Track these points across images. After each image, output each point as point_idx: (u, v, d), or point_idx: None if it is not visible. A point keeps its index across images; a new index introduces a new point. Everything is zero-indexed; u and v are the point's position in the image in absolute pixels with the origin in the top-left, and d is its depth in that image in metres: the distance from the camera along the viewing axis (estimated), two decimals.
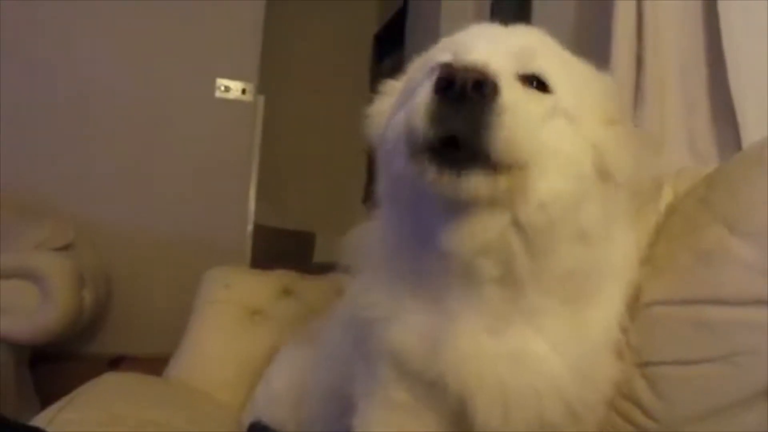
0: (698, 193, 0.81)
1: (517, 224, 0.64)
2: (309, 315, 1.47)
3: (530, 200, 0.63)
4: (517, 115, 0.60)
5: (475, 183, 0.59)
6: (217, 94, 2.75)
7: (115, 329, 2.53)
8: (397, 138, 0.66)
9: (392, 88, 0.79)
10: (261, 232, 2.88)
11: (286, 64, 3.65)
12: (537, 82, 0.66)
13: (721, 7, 1.30)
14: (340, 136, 3.97)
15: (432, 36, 0.86)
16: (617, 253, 0.74)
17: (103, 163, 2.62)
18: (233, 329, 1.47)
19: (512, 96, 0.60)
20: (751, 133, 1.24)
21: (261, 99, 2.86)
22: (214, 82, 2.74)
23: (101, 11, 2.63)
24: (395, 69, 0.84)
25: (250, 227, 2.81)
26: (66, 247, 2.12)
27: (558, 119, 0.66)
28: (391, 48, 3.62)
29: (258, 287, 1.56)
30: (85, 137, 2.61)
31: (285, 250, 3.05)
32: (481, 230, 0.64)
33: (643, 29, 1.48)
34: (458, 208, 0.63)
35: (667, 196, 0.91)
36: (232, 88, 2.76)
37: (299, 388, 1.11)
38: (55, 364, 2.15)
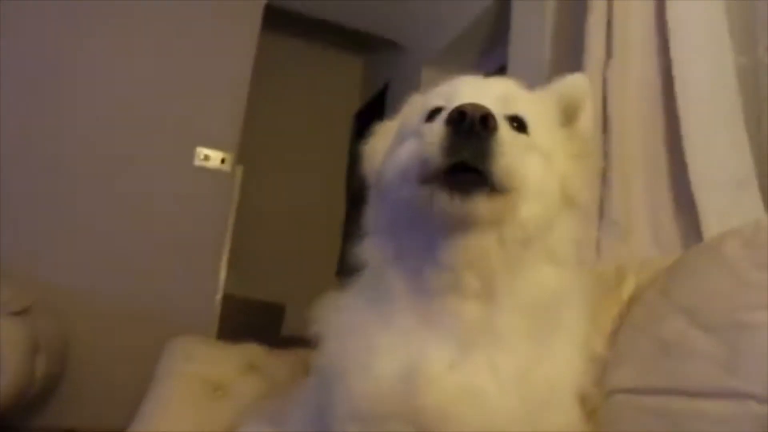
0: (660, 283, 0.83)
1: (500, 240, 0.73)
2: (274, 393, 1.42)
3: (515, 220, 0.73)
4: (511, 147, 0.71)
5: (478, 204, 0.70)
6: (196, 162, 2.76)
7: (68, 400, 2.39)
8: (402, 170, 0.77)
9: (385, 128, 0.89)
10: (230, 302, 2.82)
11: (266, 136, 3.71)
12: (517, 123, 0.78)
13: (680, 99, 1.38)
14: (315, 209, 4.01)
15: None
16: (574, 318, 0.80)
17: (68, 226, 2.56)
18: (193, 404, 1.41)
19: (506, 131, 0.72)
20: (711, 224, 1.28)
21: (239, 169, 2.88)
22: (193, 150, 2.76)
23: (81, 77, 2.66)
24: None
25: (219, 296, 2.76)
26: (22, 312, 2.03)
27: (534, 155, 0.77)
28: (371, 126, 3.72)
29: (222, 361, 1.51)
30: (50, 199, 2.56)
31: (253, 321, 2.98)
32: (474, 246, 0.73)
33: (607, 122, 1.56)
34: (458, 226, 0.72)
35: (629, 286, 0.93)
36: (211, 157, 2.79)
37: None
38: None
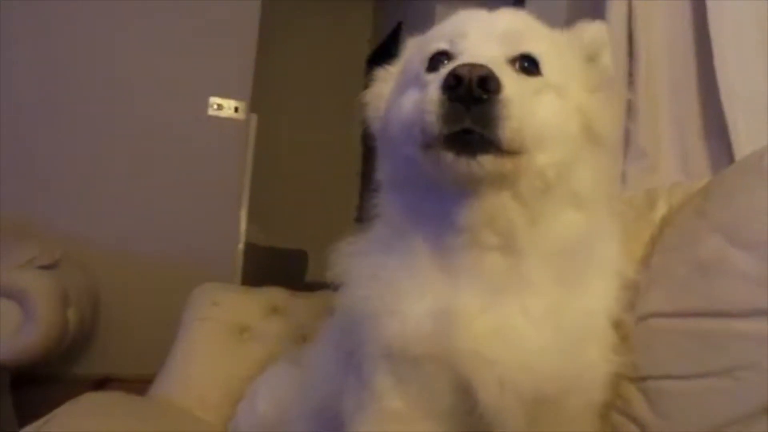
0: (694, 204, 0.80)
1: (517, 195, 0.69)
2: (299, 334, 1.44)
3: (530, 172, 0.68)
4: (520, 106, 0.64)
5: (487, 165, 0.65)
6: (210, 112, 2.75)
7: (102, 350, 2.48)
8: (406, 126, 0.70)
9: (387, 73, 0.82)
10: (252, 251, 2.84)
11: (279, 83, 3.66)
12: (527, 62, 0.71)
13: (712, 23, 1.31)
14: (332, 154, 3.99)
15: None
16: (606, 248, 0.76)
17: (93, 181, 2.60)
18: (220, 347, 1.44)
19: (512, 87, 0.64)
20: (743, 148, 1.23)
21: (254, 117, 2.86)
22: (206, 99, 2.74)
23: (95, 31, 2.64)
24: None
25: (241, 246, 2.79)
26: (52, 266, 2.08)
27: (547, 94, 0.70)
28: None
29: (247, 305, 1.53)
30: (74, 155, 2.60)
31: (277, 268, 3.02)
32: (488, 204, 0.69)
33: (634, 48, 1.49)
34: (468, 187, 0.68)
35: (661, 209, 0.90)
36: (224, 106, 2.76)
37: (285, 409, 1.07)
38: (38, 386, 2.09)
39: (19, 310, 1.85)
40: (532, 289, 0.70)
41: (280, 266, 3.16)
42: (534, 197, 0.69)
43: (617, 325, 0.75)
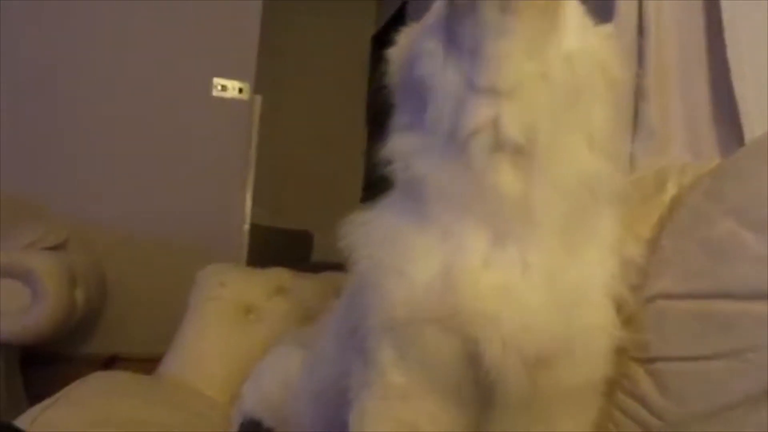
0: (706, 185, 0.79)
1: (545, 76, 0.68)
2: (304, 314, 1.45)
3: (561, 44, 0.68)
4: None
5: None
6: (214, 93, 2.73)
7: (110, 329, 2.50)
8: (434, 30, 0.71)
9: (411, 28, 0.82)
10: (258, 232, 2.85)
11: (283, 64, 3.64)
12: None
13: (724, 3, 1.29)
14: (337, 135, 3.97)
15: None
16: (608, 225, 0.76)
17: (98, 162, 2.61)
18: (227, 327, 1.45)
19: None
20: (753, 129, 1.22)
21: (258, 98, 2.84)
22: (210, 81, 2.73)
23: (99, 12, 2.62)
24: None
25: (246, 226, 2.79)
26: (58, 247, 2.09)
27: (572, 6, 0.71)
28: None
29: (253, 285, 1.54)
30: (80, 136, 2.60)
31: (282, 249, 3.03)
32: (516, 72, 0.67)
33: (644, 27, 1.47)
34: (503, 14, 0.65)
35: (671, 190, 0.89)
36: (228, 87, 2.75)
37: (290, 389, 1.08)
38: (47, 365, 2.12)
39: (27, 291, 1.87)
40: (535, 239, 0.69)
41: (285, 247, 3.17)
42: (559, 91, 0.68)
43: (620, 305, 0.74)
